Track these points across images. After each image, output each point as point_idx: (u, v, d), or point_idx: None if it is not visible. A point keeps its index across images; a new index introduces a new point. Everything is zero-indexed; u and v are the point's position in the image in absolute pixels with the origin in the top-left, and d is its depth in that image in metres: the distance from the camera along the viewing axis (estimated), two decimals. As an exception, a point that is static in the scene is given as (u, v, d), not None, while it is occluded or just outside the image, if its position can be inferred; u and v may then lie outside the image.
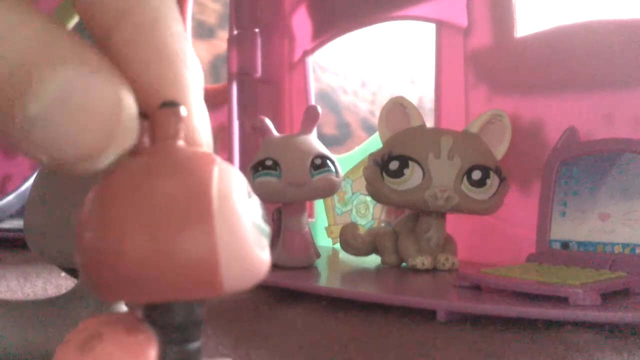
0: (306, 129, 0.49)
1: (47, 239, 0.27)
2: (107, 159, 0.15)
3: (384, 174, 0.44)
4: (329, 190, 0.47)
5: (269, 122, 0.49)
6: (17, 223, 0.68)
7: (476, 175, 0.44)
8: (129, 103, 0.15)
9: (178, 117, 0.15)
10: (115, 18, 0.17)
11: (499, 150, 0.45)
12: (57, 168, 0.15)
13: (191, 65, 0.18)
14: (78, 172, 0.16)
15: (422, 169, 0.44)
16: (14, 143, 0.15)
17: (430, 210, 0.45)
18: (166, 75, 0.17)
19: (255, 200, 0.16)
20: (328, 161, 0.47)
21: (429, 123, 0.50)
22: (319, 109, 0.49)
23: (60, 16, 0.80)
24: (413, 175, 0.43)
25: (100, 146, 0.15)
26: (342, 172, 0.48)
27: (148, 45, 0.17)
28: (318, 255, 0.48)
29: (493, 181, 0.44)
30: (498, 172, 0.45)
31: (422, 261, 0.44)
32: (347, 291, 0.37)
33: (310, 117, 0.49)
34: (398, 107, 0.47)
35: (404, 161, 0.44)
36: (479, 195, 0.44)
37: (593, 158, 0.42)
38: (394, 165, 0.44)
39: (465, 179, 0.44)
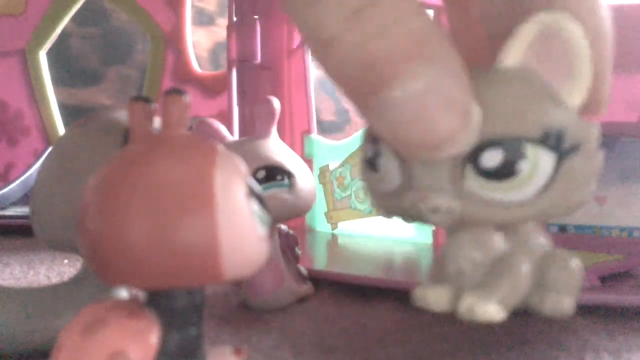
0: (262, 131, 0.34)
1: (53, 224, 0.27)
2: (443, 153, 0.17)
3: (366, 165, 0.22)
4: (278, 211, 0.31)
5: (219, 125, 0.35)
6: (21, 210, 0.68)
7: (490, 158, 0.18)
8: (477, 111, 0.17)
9: (183, 105, 0.15)
10: None
11: (570, 88, 0.19)
12: (398, 148, 0.18)
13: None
14: (417, 156, 0.18)
15: (399, 159, 0.20)
16: (369, 121, 0.17)
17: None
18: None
19: (257, 190, 0.16)
20: (279, 174, 0.32)
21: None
22: (276, 105, 0.32)
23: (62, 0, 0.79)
24: (389, 169, 0.20)
25: (444, 139, 0.17)
26: (310, 183, 0.34)
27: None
28: (301, 290, 0.34)
29: (536, 163, 0.18)
30: (554, 140, 0.19)
31: (432, 296, 0.21)
32: (352, 276, 0.37)
33: (265, 116, 0.34)
34: None
35: (378, 145, 0.21)
36: (507, 193, 0.19)
37: (591, 142, 0.42)
38: (370, 150, 0.21)
39: (470, 168, 0.18)
